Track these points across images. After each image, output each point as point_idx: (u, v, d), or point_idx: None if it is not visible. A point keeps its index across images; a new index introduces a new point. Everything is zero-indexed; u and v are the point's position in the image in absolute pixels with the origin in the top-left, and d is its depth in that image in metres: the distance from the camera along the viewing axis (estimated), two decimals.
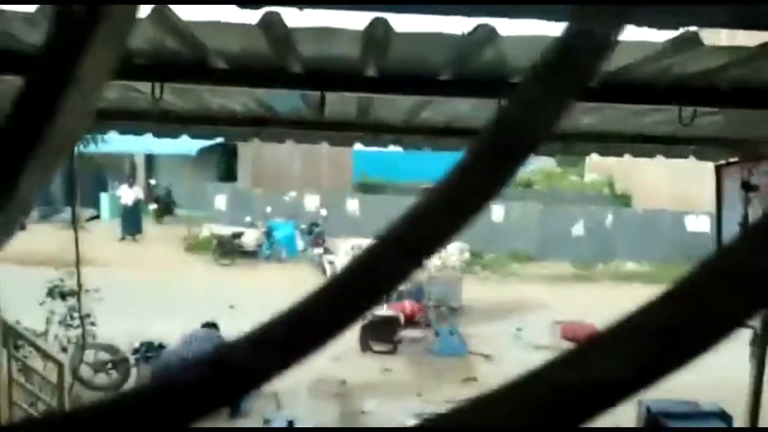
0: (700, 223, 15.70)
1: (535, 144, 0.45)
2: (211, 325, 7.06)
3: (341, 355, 8.10)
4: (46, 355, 5.41)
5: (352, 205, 17.56)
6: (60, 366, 5.19)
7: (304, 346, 0.49)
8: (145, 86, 2.72)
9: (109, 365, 7.18)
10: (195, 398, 0.44)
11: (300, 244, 16.27)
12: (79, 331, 6.75)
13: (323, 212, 16.78)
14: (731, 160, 4.01)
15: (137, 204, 17.80)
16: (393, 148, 4.33)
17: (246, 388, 0.47)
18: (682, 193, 16.92)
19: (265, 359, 0.48)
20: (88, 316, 6.87)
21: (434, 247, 0.48)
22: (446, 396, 7.69)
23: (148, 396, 0.45)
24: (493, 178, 0.45)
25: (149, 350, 7.24)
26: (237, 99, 3.26)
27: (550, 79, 0.43)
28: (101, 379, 7.12)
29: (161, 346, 7.28)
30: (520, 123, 0.44)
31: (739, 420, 4.04)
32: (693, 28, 2.02)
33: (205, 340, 6.63)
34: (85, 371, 6.80)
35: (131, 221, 17.63)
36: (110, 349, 7.19)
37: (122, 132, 3.97)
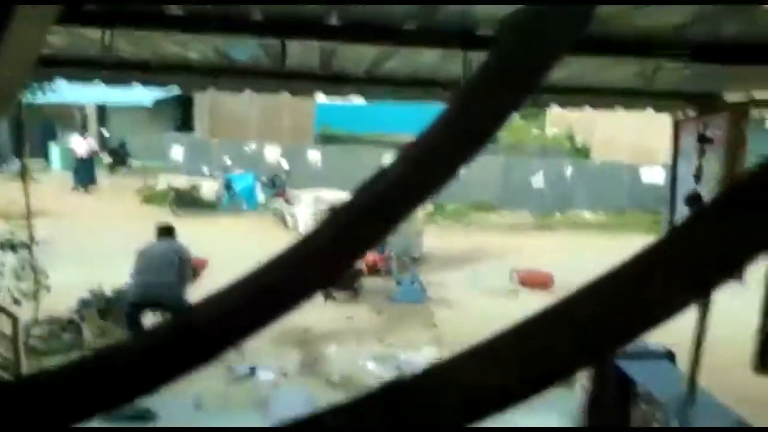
0: (655, 175, 16.17)
1: (517, 102, 0.43)
2: (167, 231, 6.54)
3: (304, 305, 8.15)
4: None
5: (314, 156, 17.35)
6: (14, 319, 5.09)
7: (276, 307, 0.49)
8: (95, 33, 2.58)
9: (59, 332, 7.11)
10: (161, 362, 0.43)
11: (260, 195, 16.07)
12: (31, 284, 6.63)
13: (284, 163, 16.55)
14: (689, 113, 4.10)
15: (91, 155, 17.23)
16: (356, 100, 4.25)
17: (215, 352, 0.46)
18: (641, 146, 17.32)
19: (233, 322, 0.46)
20: (41, 268, 6.73)
21: (411, 207, 0.46)
22: (407, 340, 7.89)
23: (113, 361, 0.43)
24: (471, 138, 0.44)
25: (86, 305, 7.21)
26: (194, 47, 3.14)
27: (536, 38, 0.41)
28: (55, 344, 7.04)
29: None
30: (502, 80, 0.42)
31: (683, 359, 4.27)
32: None
33: (166, 259, 6.14)
34: (38, 343, 6.65)
35: (84, 173, 17.08)
36: (53, 321, 7.03)
37: (70, 79, 3.79)
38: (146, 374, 0.44)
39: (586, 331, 0.38)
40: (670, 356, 4.79)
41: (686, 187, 4.02)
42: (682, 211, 4.05)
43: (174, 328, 0.47)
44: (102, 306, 7.25)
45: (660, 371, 4.55)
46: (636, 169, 16.64)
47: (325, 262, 0.46)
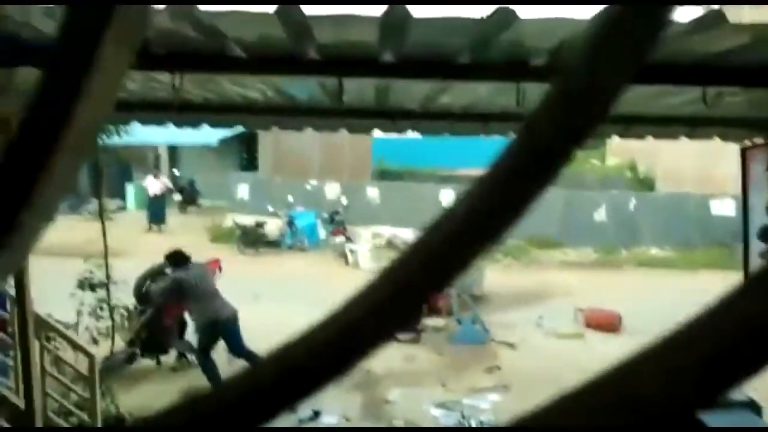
0: (725, 207, 15.38)
1: (586, 132, 0.41)
2: (182, 257, 6.93)
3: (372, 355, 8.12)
4: (76, 347, 5.48)
5: (373, 192, 17.56)
6: (91, 357, 5.23)
7: (345, 359, 0.47)
8: (164, 76, 2.75)
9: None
10: (261, 401, 0.43)
11: (321, 232, 16.35)
12: (109, 322, 6.89)
13: (344, 200, 16.83)
14: (756, 141, 3.91)
15: (164, 195, 18.09)
16: (412, 134, 4.30)
17: (302, 395, 0.46)
18: (707, 175, 16.60)
19: (303, 375, 0.46)
20: (118, 307, 7.00)
21: (482, 247, 0.44)
22: (470, 384, 7.69)
23: (217, 402, 0.44)
24: (541, 171, 0.42)
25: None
26: (256, 87, 3.28)
27: (602, 61, 0.38)
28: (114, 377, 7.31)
29: None
30: (568, 109, 0.40)
31: None
32: (717, 6, 1.98)
33: (211, 283, 6.82)
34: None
35: (157, 212, 17.92)
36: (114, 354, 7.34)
37: (143, 122, 4.02)
38: (230, 424, 0.44)
39: (681, 380, 0.35)
40: (753, 406, 4.44)
41: (760, 219, 3.82)
42: (757, 247, 3.83)
43: (244, 381, 0.47)
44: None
45: (742, 422, 4.22)
46: (705, 200, 15.85)
47: (393, 307, 0.45)
